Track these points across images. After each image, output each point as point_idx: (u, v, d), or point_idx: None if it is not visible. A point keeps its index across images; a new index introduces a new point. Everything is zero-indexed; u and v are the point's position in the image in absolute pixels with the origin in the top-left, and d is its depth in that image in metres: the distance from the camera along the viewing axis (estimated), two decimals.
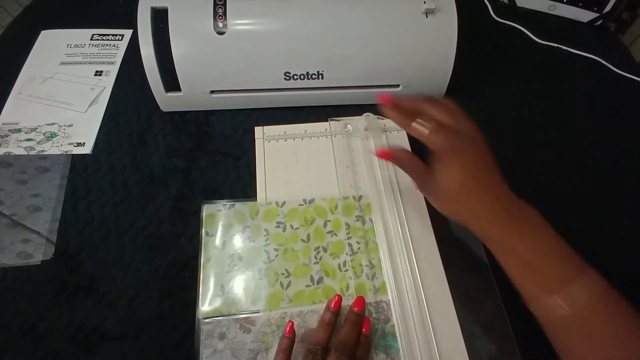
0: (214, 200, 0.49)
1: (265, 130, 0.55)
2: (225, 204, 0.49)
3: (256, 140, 0.54)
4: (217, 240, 0.46)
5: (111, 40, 0.67)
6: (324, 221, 0.48)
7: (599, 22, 0.75)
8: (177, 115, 0.58)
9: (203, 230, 0.47)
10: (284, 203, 0.48)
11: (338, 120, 0.56)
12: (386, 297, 0.43)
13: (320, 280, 0.44)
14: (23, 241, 0.47)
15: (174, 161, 0.54)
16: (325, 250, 0.46)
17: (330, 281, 0.44)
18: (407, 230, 0.47)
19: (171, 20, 0.50)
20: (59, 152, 0.54)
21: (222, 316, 0.42)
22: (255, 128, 0.55)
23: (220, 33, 0.51)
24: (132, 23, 0.51)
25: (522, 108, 0.63)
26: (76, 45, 0.65)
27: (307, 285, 0.44)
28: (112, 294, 0.44)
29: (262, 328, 0.41)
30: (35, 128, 0.56)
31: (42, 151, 0.54)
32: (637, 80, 0.67)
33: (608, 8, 0.72)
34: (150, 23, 0.50)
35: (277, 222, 0.47)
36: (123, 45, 0.66)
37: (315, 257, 0.46)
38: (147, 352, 0.42)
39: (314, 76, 0.54)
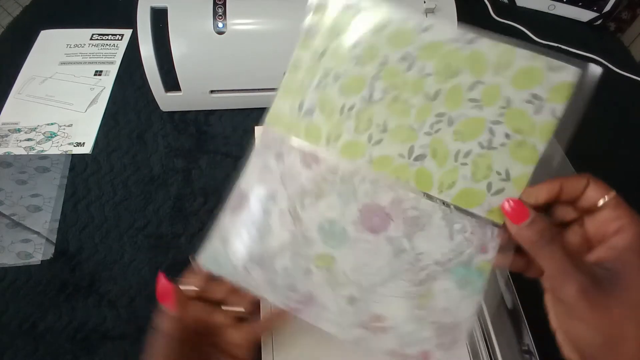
0: None
1: None
2: None
3: (256, 140, 0.54)
4: (317, 43, 0.33)
5: (111, 40, 0.66)
6: (473, 81, 0.30)
7: (598, 22, 0.75)
8: (177, 115, 0.58)
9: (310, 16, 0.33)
10: (429, 27, 0.30)
11: None
12: (498, 222, 0.30)
13: (420, 158, 0.31)
14: (23, 241, 0.47)
15: (174, 161, 0.54)
16: (451, 122, 0.31)
17: (433, 166, 0.31)
18: None
19: (171, 20, 0.50)
20: (59, 152, 0.54)
21: (288, 135, 0.33)
22: (255, 128, 0.55)
23: (220, 33, 0.51)
24: (132, 23, 0.51)
25: None
26: (76, 45, 0.65)
27: (400, 155, 0.31)
28: (112, 294, 0.44)
29: (325, 173, 0.32)
30: (35, 128, 0.56)
31: (42, 151, 0.54)
32: (637, 80, 0.67)
33: (608, 7, 0.72)
34: (150, 23, 0.50)
35: (404, 54, 0.31)
36: (123, 45, 0.66)
37: (431, 126, 0.31)
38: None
39: None
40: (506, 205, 0.29)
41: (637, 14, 0.74)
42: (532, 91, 0.29)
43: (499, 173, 0.30)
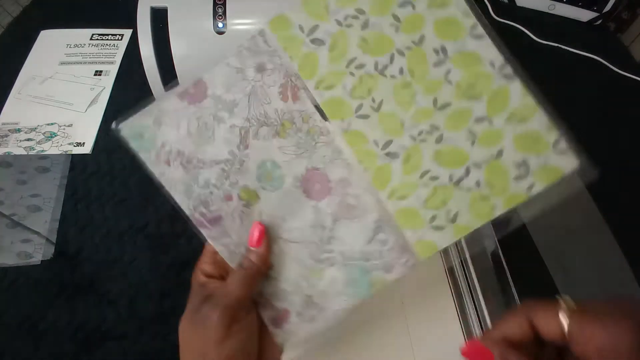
0: None
1: None
2: None
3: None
4: None
5: (111, 40, 0.66)
6: (484, 115, 0.28)
7: (598, 22, 0.75)
8: None
9: None
10: (480, 36, 0.28)
11: None
12: (419, 256, 0.29)
13: (391, 156, 0.29)
14: (23, 241, 0.47)
15: None
16: (439, 140, 0.29)
17: (398, 171, 0.29)
18: None
19: (171, 20, 0.50)
20: (59, 152, 0.54)
21: (283, 50, 0.30)
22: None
23: (220, 33, 0.51)
24: (131, 23, 0.51)
25: None
26: (76, 45, 0.65)
27: (375, 142, 0.29)
28: (112, 294, 0.44)
29: (296, 115, 0.30)
30: (35, 128, 0.56)
31: (42, 151, 0.54)
32: (637, 80, 0.67)
33: (608, 7, 0.72)
34: (150, 23, 0.50)
35: (442, 47, 0.28)
36: (123, 45, 0.66)
37: (420, 133, 0.29)
38: (147, 352, 0.42)
39: None
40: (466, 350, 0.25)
41: (637, 14, 0.74)
42: (526, 157, 0.28)
43: (448, 212, 0.28)
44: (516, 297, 0.43)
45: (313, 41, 0.29)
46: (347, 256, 0.30)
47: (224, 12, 0.51)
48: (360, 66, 0.29)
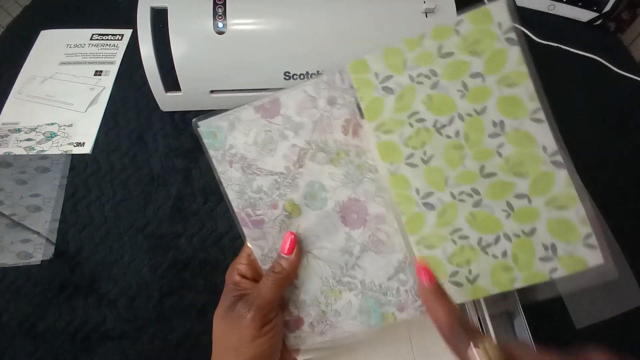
0: None
1: None
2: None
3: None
4: (451, 42, 0.30)
5: (111, 40, 0.66)
6: (525, 193, 0.29)
7: (598, 22, 0.75)
8: (177, 115, 0.58)
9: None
10: (538, 119, 0.30)
11: None
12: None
13: (428, 206, 0.31)
14: (23, 241, 0.47)
15: (174, 161, 0.54)
16: (476, 205, 0.30)
17: (432, 221, 0.31)
18: None
19: (171, 20, 0.50)
20: (59, 152, 0.54)
21: (356, 89, 0.32)
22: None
23: (220, 33, 0.51)
24: (132, 23, 0.51)
25: None
26: (76, 45, 0.65)
27: (417, 190, 0.31)
28: (112, 294, 0.44)
29: (352, 149, 0.32)
30: (35, 128, 0.56)
31: (42, 151, 0.54)
32: (637, 80, 0.67)
33: (608, 7, 0.72)
34: (150, 23, 0.50)
35: (500, 120, 0.30)
36: (123, 45, 0.66)
37: (460, 194, 0.30)
38: (147, 352, 0.42)
39: (313, 76, 0.54)
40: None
41: (637, 14, 0.74)
42: (555, 242, 0.29)
43: (470, 272, 0.30)
44: (519, 305, 0.42)
45: (384, 89, 0.31)
46: (367, 286, 0.32)
47: (224, 12, 0.51)
48: (421, 120, 0.31)
